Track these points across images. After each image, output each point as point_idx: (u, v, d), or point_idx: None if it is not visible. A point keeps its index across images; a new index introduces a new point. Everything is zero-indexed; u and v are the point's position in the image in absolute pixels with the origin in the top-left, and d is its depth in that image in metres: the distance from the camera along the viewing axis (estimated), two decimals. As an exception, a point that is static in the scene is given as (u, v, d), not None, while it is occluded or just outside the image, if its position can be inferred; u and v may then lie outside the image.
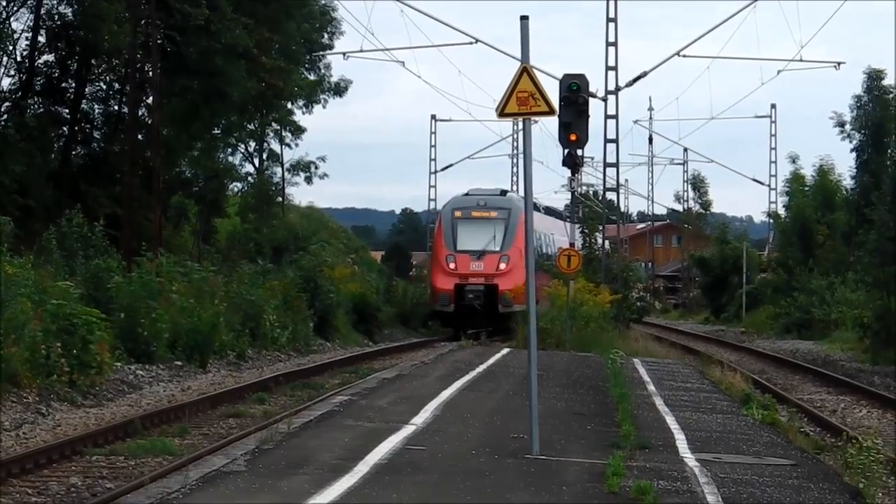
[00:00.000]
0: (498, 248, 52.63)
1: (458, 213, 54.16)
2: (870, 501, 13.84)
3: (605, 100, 49.85)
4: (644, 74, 50.97)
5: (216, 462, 13.90)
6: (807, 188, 67.21)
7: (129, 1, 45.70)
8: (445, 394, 21.28)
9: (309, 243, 55.03)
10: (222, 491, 12.15)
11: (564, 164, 38.29)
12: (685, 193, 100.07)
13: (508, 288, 50.17)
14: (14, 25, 48.23)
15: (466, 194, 56.41)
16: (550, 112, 15.42)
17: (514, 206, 53.15)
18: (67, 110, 49.67)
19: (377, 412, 18.53)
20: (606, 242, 56.10)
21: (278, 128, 69.67)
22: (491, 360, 29.81)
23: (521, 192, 50.52)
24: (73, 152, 50.17)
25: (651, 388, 25.01)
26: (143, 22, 45.65)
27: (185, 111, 49.91)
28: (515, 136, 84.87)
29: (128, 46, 45.67)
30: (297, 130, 70.45)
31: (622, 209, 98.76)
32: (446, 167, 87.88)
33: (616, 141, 50.83)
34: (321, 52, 67.52)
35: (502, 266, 51.96)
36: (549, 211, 64.10)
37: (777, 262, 68.62)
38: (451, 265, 52.82)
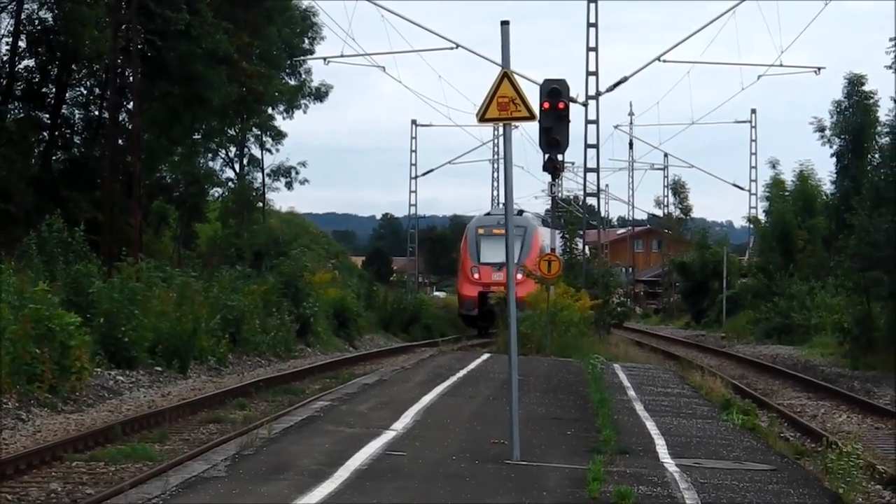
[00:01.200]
0: (515, 261, 54.82)
1: (480, 231, 61.73)
2: (849, 506, 13.88)
3: (585, 105, 49.82)
4: (624, 79, 51.05)
5: (196, 468, 13.87)
6: (787, 193, 67.33)
7: (109, 6, 45.65)
8: (426, 399, 21.28)
9: (289, 248, 54.96)
10: (203, 496, 12.14)
11: (545, 169, 38.41)
12: (665, 198, 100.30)
13: (524, 295, 51.46)
14: (-6, 30, 48.18)
15: (488, 214, 64.55)
16: (531, 117, 15.43)
17: (528, 224, 60.51)
18: (48, 115, 49.55)
19: (358, 417, 18.52)
20: (587, 247, 56.41)
21: (259, 133, 69.70)
22: (471, 366, 29.81)
23: (503, 198, 51.23)
24: (54, 157, 50.03)
25: (631, 393, 25.03)
26: (123, 27, 45.59)
27: (166, 116, 49.83)
28: (496, 141, 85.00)
29: (108, 51, 45.62)
30: (278, 136, 70.52)
31: (602, 214, 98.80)
32: (427, 172, 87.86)
33: (596, 146, 50.80)
34: (302, 57, 67.57)
35: (519, 276, 54.15)
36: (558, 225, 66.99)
37: (757, 267, 68.67)
38: (476, 275, 60.31)
